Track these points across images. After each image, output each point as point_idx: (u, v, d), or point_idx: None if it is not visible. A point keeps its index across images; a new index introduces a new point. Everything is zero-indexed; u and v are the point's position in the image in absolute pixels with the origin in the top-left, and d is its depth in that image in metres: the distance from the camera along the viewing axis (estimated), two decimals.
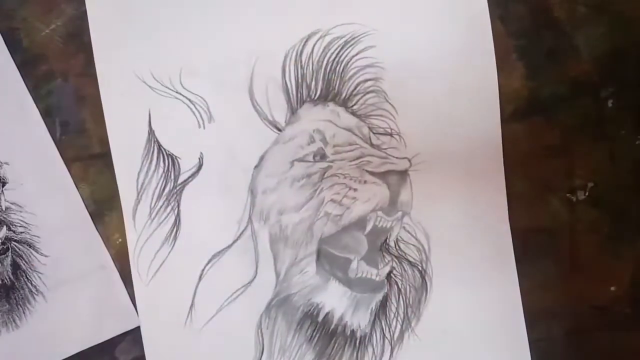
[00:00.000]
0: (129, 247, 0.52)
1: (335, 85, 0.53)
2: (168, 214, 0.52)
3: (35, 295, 0.52)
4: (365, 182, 0.52)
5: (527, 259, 0.54)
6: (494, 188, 0.53)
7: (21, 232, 0.51)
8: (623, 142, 0.56)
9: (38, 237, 0.51)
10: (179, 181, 0.52)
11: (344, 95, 0.53)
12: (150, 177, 0.52)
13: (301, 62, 0.52)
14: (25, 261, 0.51)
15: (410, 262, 0.54)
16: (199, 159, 0.52)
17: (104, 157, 0.52)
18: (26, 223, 0.51)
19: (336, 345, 0.53)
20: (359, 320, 0.53)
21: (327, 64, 0.53)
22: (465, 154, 0.53)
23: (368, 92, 0.53)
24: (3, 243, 0.51)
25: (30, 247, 0.51)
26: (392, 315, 0.54)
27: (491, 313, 0.53)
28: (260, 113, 0.52)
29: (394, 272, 0.54)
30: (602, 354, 0.56)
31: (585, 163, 0.56)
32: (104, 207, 0.52)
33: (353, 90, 0.53)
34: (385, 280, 0.53)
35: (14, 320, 0.52)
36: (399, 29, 0.53)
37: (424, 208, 0.53)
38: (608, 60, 0.55)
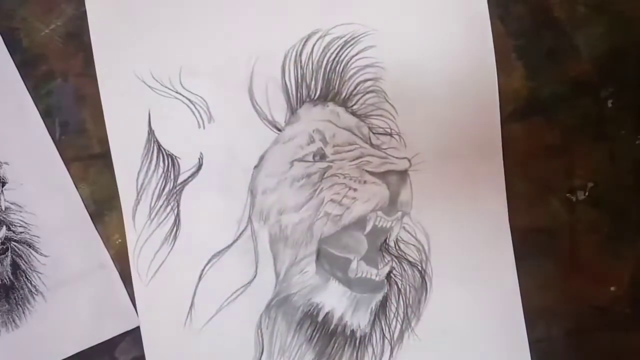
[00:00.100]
0: (128, 247, 0.52)
1: (335, 85, 0.53)
2: (168, 214, 0.52)
3: (34, 295, 0.52)
4: (365, 182, 0.52)
5: (527, 259, 0.54)
6: (494, 188, 0.53)
7: (21, 232, 0.51)
8: (623, 142, 0.56)
9: (38, 237, 0.51)
10: (179, 181, 0.52)
11: (343, 95, 0.53)
12: (150, 177, 0.52)
13: (301, 62, 0.52)
14: (25, 261, 0.51)
15: (410, 262, 0.54)
16: (199, 159, 0.52)
17: (104, 157, 0.52)
18: (26, 223, 0.51)
19: (336, 345, 0.53)
20: (359, 320, 0.53)
21: (326, 64, 0.53)
22: (465, 154, 0.53)
23: (368, 92, 0.53)
24: (3, 243, 0.51)
25: (30, 247, 0.51)
26: (392, 315, 0.54)
27: (491, 313, 0.53)
28: (260, 113, 0.52)
29: (394, 272, 0.54)
30: (602, 354, 0.56)
31: (585, 163, 0.56)
32: (103, 207, 0.52)
33: (353, 90, 0.53)
34: (385, 280, 0.53)
35: (13, 320, 0.51)
36: (399, 29, 0.53)
37: (424, 208, 0.53)
38: (608, 60, 0.55)
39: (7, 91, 0.51)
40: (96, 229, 0.52)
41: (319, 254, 0.53)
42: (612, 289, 0.56)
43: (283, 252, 0.53)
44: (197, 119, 0.52)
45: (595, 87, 0.55)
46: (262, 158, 0.53)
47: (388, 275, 0.54)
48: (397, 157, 0.53)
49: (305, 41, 0.52)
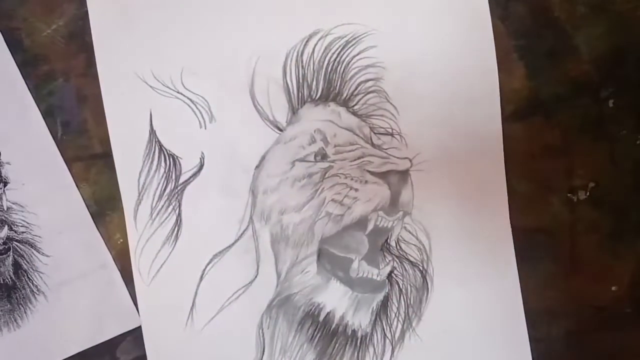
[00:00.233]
0: (130, 247, 0.52)
1: (336, 85, 0.53)
2: (169, 214, 0.52)
3: (36, 295, 0.52)
4: (366, 182, 0.52)
5: (527, 259, 0.54)
6: (494, 188, 0.54)
7: (22, 232, 0.51)
8: (623, 142, 0.56)
9: (39, 237, 0.51)
10: (180, 181, 0.52)
11: (345, 95, 0.53)
12: (152, 177, 0.52)
13: (302, 62, 0.53)
14: (27, 261, 0.51)
15: (411, 262, 0.54)
16: (200, 159, 0.52)
17: (105, 157, 0.52)
18: (28, 223, 0.51)
19: (337, 345, 0.53)
20: (360, 320, 0.53)
21: (328, 64, 0.53)
22: (465, 154, 0.53)
23: (369, 92, 0.53)
24: (5, 243, 0.51)
25: (31, 247, 0.51)
26: (393, 315, 0.54)
27: (492, 313, 0.53)
28: (261, 113, 0.53)
29: (395, 272, 0.54)
30: (602, 354, 0.56)
31: (585, 163, 0.56)
32: (105, 207, 0.52)
33: (354, 90, 0.53)
34: (386, 280, 0.54)
35: (15, 320, 0.52)
36: (399, 29, 0.53)
37: (425, 208, 0.53)
38: (608, 60, 0.55)
39: (8, 91, 0.51)
40: (97, 229, 0.52)
41: (320, 254, 0.53)
42: (613, 288, 0.56)
43: (284, 252, 0.53)
44: (198, 119, 0.52)
45: (595, 87, 0.56)
46: (263, 158, 0.53)
47: (389, 275, 0.54)
48: (398, 157, 0.53)
49: (307, 41, 0.53)
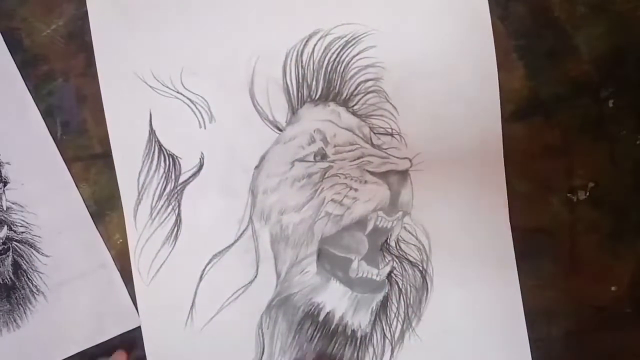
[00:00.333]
0: (129, 247, 0.52)
1: (336, 85, 0.53)
2: (169, 214, 0.52)
3: (36, 295, 0.52)
4: (365, 182, 0.52)
5: (527, 259, 0.54)
6: (494, 188, 0.53)
7: (22, 232, 0.51)
8: (623, 142, 0.56)
9: (39, 237, 0.51)
10: (180, 181, 0.52)
11: (344, 95, 0.53)
12: (151, 177, 0.52)
13: (302, 62, 0.53)
14: (26, 261, 0.51)
15: (410, 262, 0.54)
16: (200, 158, 0.52)
17: (105, 157, 0.52)
18: (27, 223, 0.51)
19: (337, 345, 0.53)
20: (360, 320, 0.53)
21: (327, 64, 0.53)
22: (465, 154, 0.53)
23: (369, 92, 0.53)
24: (4, 243, 0.51)
25: (31, 247, 0.51)
26: (393, 315, 0.54)
27: (492, 313, 0.53)
28: (261, 113, 0.53)
29: (395, 272, 0.54)
30: (602, 354, 0.56)
31: (585, 163, 0.56)
32: (104, 207, 0.52)
33: (354, 90, 0.53)
34: (386, 280, 0.54)
35: (14, 320, 0.52)
36: (399, 29, 0.53)
37: (425, 208, 0.53)
38: (608, 60, 0.55)
39: (8, 91, 0.51)
40: (97, 228, 0.52)
41: (319, 254, 0.53)
42: (612, 289, 0.56)
43: (284, 252, 0.53)
44: (198, 119, 0.52)
45: (595, 87, 0.56)
46: (263, 158, 0.53)
47: (389, 275, 0.54)
48: (398, 157, 0.53)
49: (307, 41, 0.52)
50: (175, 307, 0.53)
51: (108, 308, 0.53)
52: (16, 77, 0.51)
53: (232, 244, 0.53)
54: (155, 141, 0.52)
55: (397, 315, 0.54)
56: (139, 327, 0.52)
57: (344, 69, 0.53)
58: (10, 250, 0.51)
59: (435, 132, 0.53)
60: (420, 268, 0.54)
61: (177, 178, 0.52)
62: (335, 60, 0.53)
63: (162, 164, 0.52)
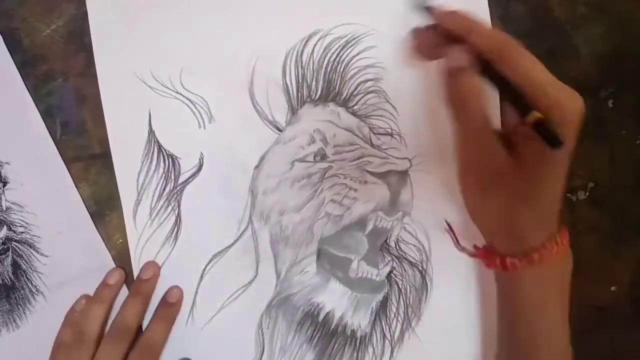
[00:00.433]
0: (129, 247, 0.52)
1: (336, 85, 0.53)
2: (169, 214, 0.52)
3: (35, 296, 0.52)
4: (365, 182, 0.52)
5: None
6: None
7: (22, 232, 0.51)
8: (623, 142, 0.56)
9: (38, 237, 0.51)
10: (180, 181, 0.52)
11: (344, 95, 0.53)
12: (151, 177, 0.52)
13: (302, 62, 0.52)
14: (26, 261, 0.51)
15: (410, 262, 0.54)
16: (200, 159, 0.52)
17: (105, 157, 0.52)
18: (27, 223, 0.51)
19: (336, 345, 0.53)
20: (360, 320, 0.53)
21: (327, 64, 0.53)
22: None
23: (368, 93, 0.53)
24: (3, 243, 0.51)
25: (30, 247, 0.51)
26: (393, 315, 0.54)
27: (492, 313, 0.53)
28: (260, 113, 0.52)
29: (395, 272, 0.54)
30: (602, 354, 0.56)
31: (585, 163, 0.56)
32: (104, 207, 0.52)
33: (353, 91, 0.53)
34: (386, 280, 0.54)
35: (14, 321, 0.52)
36: (399, 29, 0.53)
37: (425, 208, 0.53)
38: (608, 60, 0.55)
39: (7, 91, 0.51)
40: (97, 229, 0.52)
41: (319, 254, 0.53)
42: (612, 289, 0.56)
43: (284, 252, 0.53)
44: (197, 119, 0.52)
45: (595, 87, 0.56)
46: (262, 158, 0.53)
47: (388, 275, 0.54)
48: (397, 158, 0.53)
49: (306, 41, 0.52)
50: None
51: None
52: (15, 77, 0.51)
53: (232, 244, 0.53)
54: (154, 141, 0.52)
55: (396, 315, 0.54)
56: (140, 327, 0.52)
57: (343, 69, 0.53)
58: (10, 251, 0.51)
59: (434, 132, 0.53)
60: (420, 268, 0.54)
61: (176, 178, 0.52)
62: (335, 60, 0.53)
63: (162, 164, 0.52)
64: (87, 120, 0.52)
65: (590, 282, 0.56)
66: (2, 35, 0.51)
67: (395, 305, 0.54)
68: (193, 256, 0.52)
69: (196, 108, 0.52)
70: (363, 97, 0.53)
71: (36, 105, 0.51)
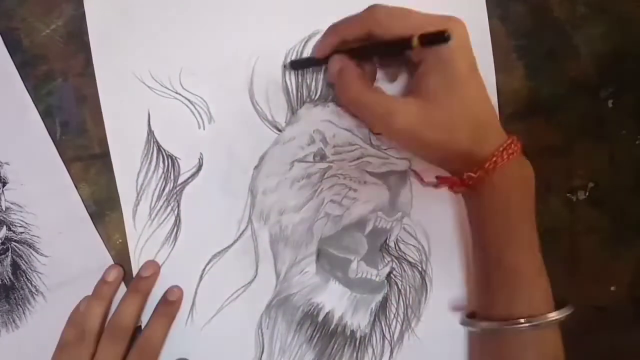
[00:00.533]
0: (129, 247, 0.52)
1: None
2: (168, 215, 0.52)
3: (35, 296, 0.52)
4: (365, 182, 0.52)
5: None
6: None
7: (21, 233, 0.51)
8: (623, 142, 0.56)
9: (38, 237, 0.51)
10: (179, 182, 0.52)
11: None
12: (150, 177, 0.52)
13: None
14: (25, 261, 0.51)
15: (410, 263, 0.54)
16: (199, 159, 0.52)
17: (104, 157, 0.52)
18: (26, 223, 0.51)
19: (336, 345, 0.53)
20: (359, 321, 0.53)
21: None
22: None
23: None
24: (3, 243, 0.51)
25: (30, 247, 0.51)
26: (392, 315, 0.54)
27: None
28: (260, 113, 0.52)
29: (394, 272, 0.54)
30: (602, 354, 0.56)
31: (585, 163, 0.56)
32: (104, 207, 0.52)
33: None
34: (385, 280, 0.54)
35: (13, 321, 0.51)
36: None
37: (424, 209, 0.53)
38: (608, 60, 0.55)
39: (7, 91, 0.51)
40: (97, 229, 0.52)
41: (319, 254, 0.53)
42: (612, 289, 0.56)
43: (283, 252, 0.53)
44: (197, 120, 0.52)
45: (595, 87, 0.56)
46: (262, 158, 0.53)
47: (388, 276, 0.54)
48: (397, 158, 0.53)
49: (306, 42, 0.52)
50: None
51: None
52: (15, 78, 0.51)
53: (232, 244, 0.53)
54: (153, 142, 0.52)
55: (396, 315, 0.54)
56: (140, 327, 0.52)
57: None
58: (9, 251, 0.51)
59: None
60: (420, 269, 0.54)
61: (176, 179, 0.52)
62: None
63: (161, 164, 0.52)
64: (86, 120, 0.52)
65: (590, 282, 0.56)
66: (1, 35, 0.51)
67: (395, 305, 0.54)
68: (192, 256, 0.52)
69: (195, 108, 0.52)
70: None
71: (36, 105, 0.51)
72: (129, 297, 0.51)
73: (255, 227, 0.53)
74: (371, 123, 0.51)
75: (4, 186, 0.51)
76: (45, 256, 0.51)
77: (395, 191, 0.53)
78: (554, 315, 0.46)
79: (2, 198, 0.51)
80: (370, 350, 0.54)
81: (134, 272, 0.52)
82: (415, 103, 0.45)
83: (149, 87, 0.52)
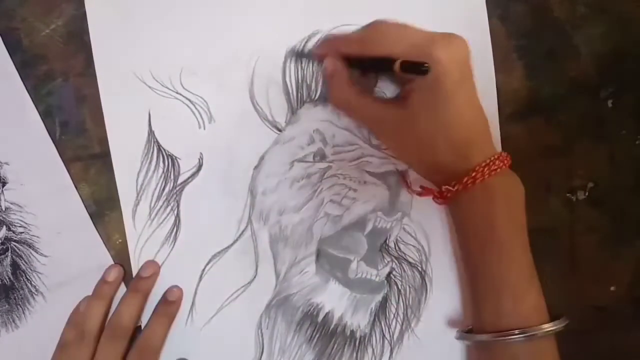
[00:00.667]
0: (129, 247, 0.52)
1: None
2: (168, 215, 0.52)
3: (35, 296, 0.52)
4: (365, 182, 0.52)
5: None
6: None
7: (21, 233, 0.51)
8: (623, 142, 0.56)
9: (38, 237, 0.51)
10: (179, 181, 0.52)
11: None
12: (150, 177, 0.52)
13: (301, 62, 0.52)
14: (25, 261, 0.51)
15: (410, 263, 0.54)
16: (199, 159, 0.52)
17: (104, 157, 0.52)
18: (26, 223, 0.51)
19: (336, 345, 0.53)
20: (359, 321, 0.53)
21: None
22: None
23: None
24: (3, 243, 0.51)
25: (30, 247, 0.51)
26: (392, 315, 0.54)
27: None
28: (260, 113, 0.52)
29: (394, 272, 0.54)
30: (602, 354, 0.56)
31: (585, 163, 0.56)
32: (104, 207, 0.52)
33: None
34: (385, 280, 0.54)
35: (13, 321, 0.51)
36: None
37: (424, 209, 0.53)
38: (608, 60, 0.55)
39: (7, 91, 0.51)
40: (96, 229, 0.52)
41: (319, 255, 0.53)
42: (612, 289, 0.56)
43: (283, 252, 0.53)
44: (197, 119, 0.52)
45: (595, 87, 0.56)
46: (262, 158, 0.53)
47: (388, 276, 0.54)
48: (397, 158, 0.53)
49: (306, 42, 0.52)
50: None
51: None
52: (15, 78, 0.51)
53: (232, 245, 0.53)
54: (154, 142, 0.52)
55: (396, 315, 0.54)
56: (140, 327, 0.52)
57: None
58: (9, 251, 0.51)
59: None
60: (420, 269, 0.54)
61: (176, 178, 0.52)
62: None
63: (161, 164, 0.52)
64: (86, 120, 0.52)
65: (590, 282, 0.56)
66: (1, 35, 0.51)
67: (395, 305, 0.54)
68: (192, 256, 0.52)
69: (196, 108, 0.52)
70: None
71: (36, 105, 0.51)
72: (128, 297, 0.51)
73: (255, 227, 0.53)
74: (361, 125, 0.53)
75: (3, 186, 0.51)
76: (45, 256, 0.52)
77: (395, 191, 0.53)
78: (547, 327, 0.45)
79: (2, 198, 0.51)
80: (370, 350, 0.53)
81: (134, 272, 0.52)
82: (399, 114, 0.47)
83: (149, 87, 0.52)
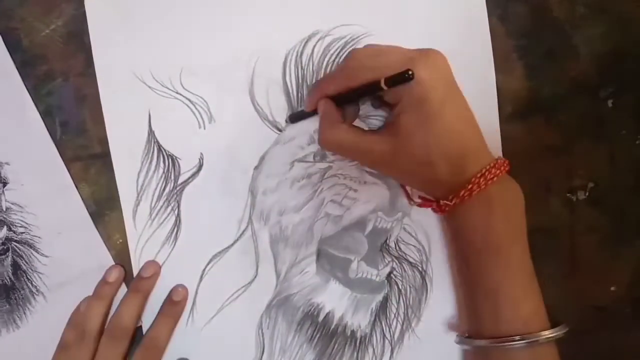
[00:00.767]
0: (129, 247, 0.52)
1: None
2: (168, 215, 0.52)
3: (35, 296, 0.52)
4: (365, 182, 0.52)
5: None
6: None
7: (22, 233, 0.51)
8: (623, 142, 0.56)
9: (38, 237, 0.51)
10: (179, 182, 0.52)
11: None
12: (150, 177, 0.52)
13: (302, 62, 0.52)
14: (26, 261, 0.51)
15: (410, 263, 0.54)
16: (199, 159, 0.52)
17: (104, 157, 0.52)
18: (27, 223, 0.51)
19: (336, 345, 0.53)
20: (359, 321, 0.53)
21: (327, 65, 0.53)
22: None
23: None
24: (3, 243, 0.51)
25: (30, 247, 0.51)
26: (393, 315, 0.54)
27: None
28: (260, 113, 0.52)
29: (394, 272, 0.54)
30: (602, 354, 0.56)
31: (585, 163, 0.56)
32: (104, 207, 0.52)
33: None
34: (386, 280, 0.54)
35: (14, 321, 0.51)
36: (397, 30, 0.53)
37: (424, 209, 0.53)
38: (608, 60, 0.55)
39: (7, 91, 0.51)
40: (97, 229, 0.52)
41: (319, 255, 0.53)
42: (612, 289, 0.56)
43: (283, 252, 0.53)
44: (197, 120, 0.52)
45: (595, 87, 0.56)
46: (262, 158, 0.53)
47: (388, 276, 0.54)
48: None
49: (306, 42, 0.52)
50: None
51: None
52: (15, 77, 0.51)
53: (232, 245, 0.53)
54: (154, 142, 0.52)
55: (396, 315, 0.54)
56: (140, 327, 0.52)
57: None
58: (10, 251, 0.51)
59: None
60: (420, 269, 0.54)
61: (176, 178, 0.52)
62: (334, 61, 0.53)
63: (162, 164, 0.52)
64: (86, 120, 0.52)
65: (590, 282, 0.56)
66: (2, 35, 0.51)
67: (395, 305, 0.54)
68: (193, 256, 0.52)
69: (196, 108, 0.52)
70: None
71: (36, 105, 0.51)
72: (129, 298, 0.51)
73: (256, 227, 0.53)
74: (352, 159, 0.53)
75: (4, 186, 0.51)
76: (46, 256, 0.52)
77: (396, 191, 0.53)
78: (547, 334, 0.45)
79: (3, 198, 0.51)
80: (370, 350, 0.53)
81: (134, 272, 0.52)
82: (391, 141, 0.46)
83: (149, 87, 0.52)
